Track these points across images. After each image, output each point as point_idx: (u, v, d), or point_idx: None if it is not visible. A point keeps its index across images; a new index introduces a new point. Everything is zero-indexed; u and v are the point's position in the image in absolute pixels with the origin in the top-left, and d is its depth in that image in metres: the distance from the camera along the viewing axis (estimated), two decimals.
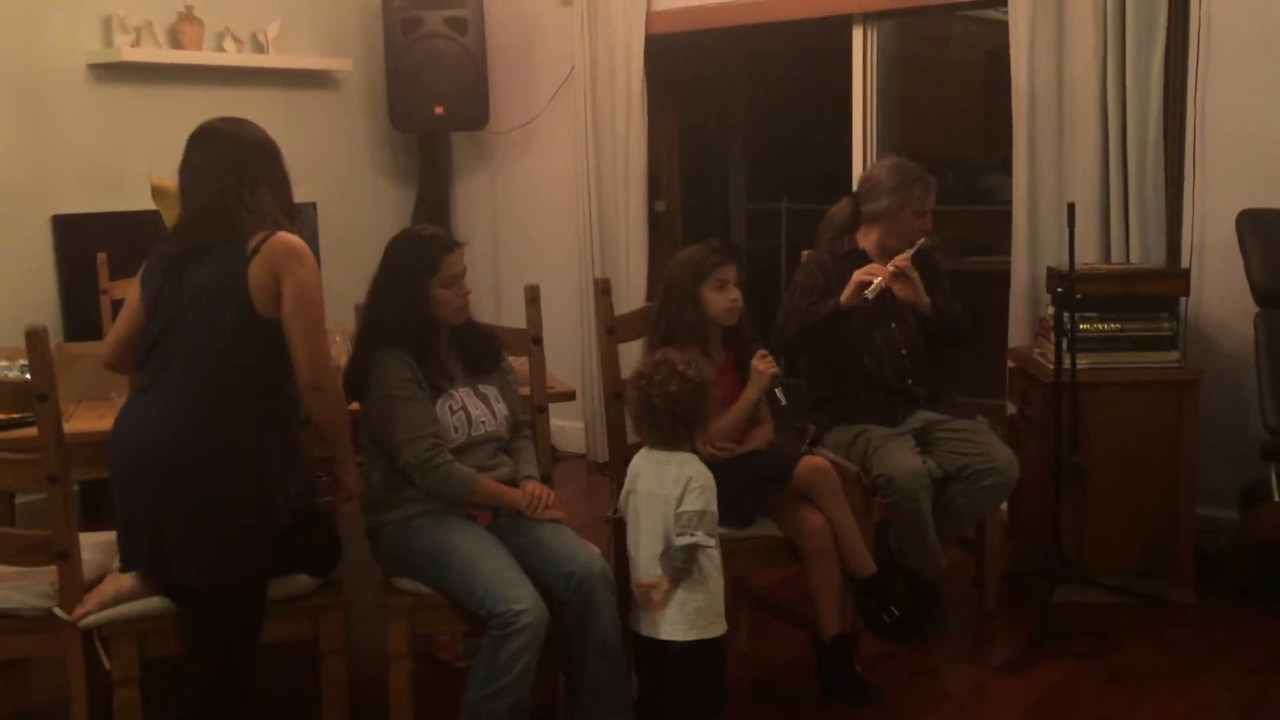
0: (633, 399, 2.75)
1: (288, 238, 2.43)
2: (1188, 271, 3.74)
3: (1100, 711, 3.00)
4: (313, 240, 4.19)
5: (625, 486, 2.77)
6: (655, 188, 5.29)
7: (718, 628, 2.69)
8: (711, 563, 2.68)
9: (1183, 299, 3.70)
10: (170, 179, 3.72)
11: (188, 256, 2.46)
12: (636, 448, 3.19)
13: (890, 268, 3.37)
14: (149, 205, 3.88)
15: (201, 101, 4.85)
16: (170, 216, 3.79)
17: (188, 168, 2.53)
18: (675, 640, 2.65)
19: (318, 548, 2.65)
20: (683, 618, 2.65)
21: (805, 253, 3.73)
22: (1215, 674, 3.19)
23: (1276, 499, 3.28)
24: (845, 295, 3.36)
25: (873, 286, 3.32)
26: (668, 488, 2.67)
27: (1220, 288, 3.79)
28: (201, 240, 2.45)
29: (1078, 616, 3.49)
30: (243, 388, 2.43)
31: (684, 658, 2.65)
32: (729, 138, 7.24)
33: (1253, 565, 3.52)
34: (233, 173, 2.47)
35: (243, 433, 2.43)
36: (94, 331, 4.02)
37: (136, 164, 4.31)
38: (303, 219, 4.16)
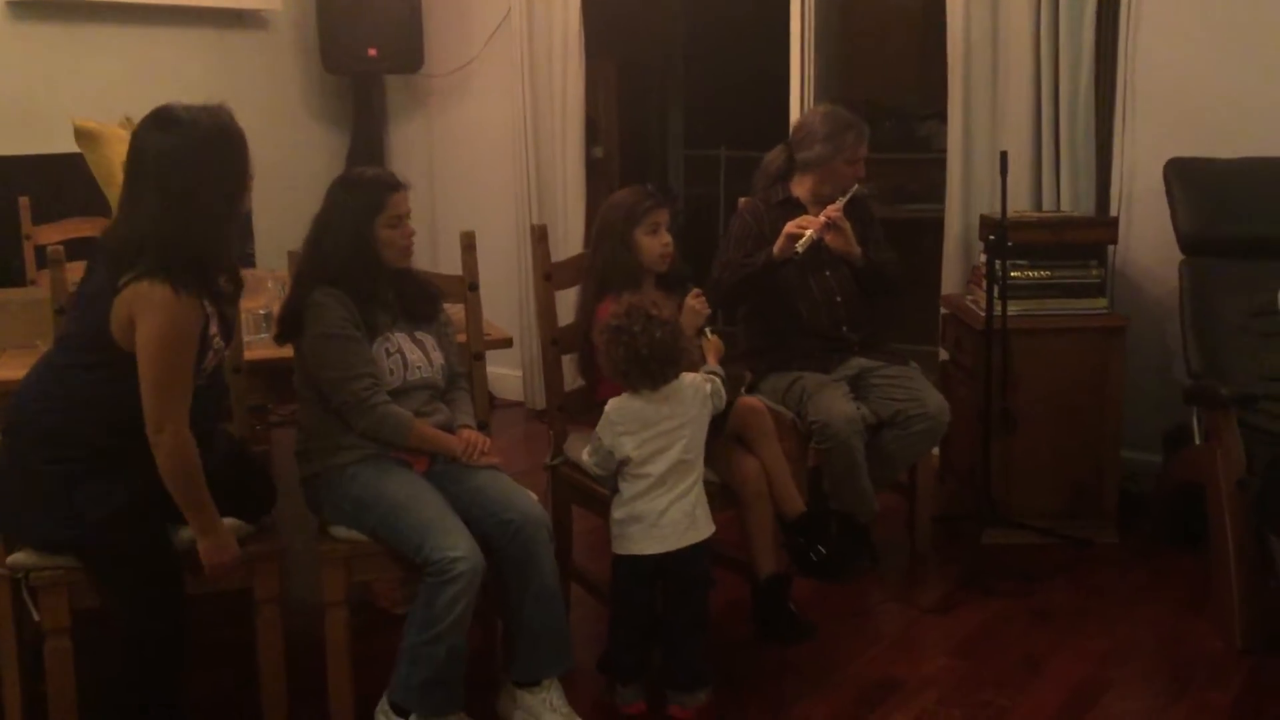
0: (613, 352, 2.71)
1: (150, 292, 2.30)
2: (1116, 220, 3.80)
3: (1026, 650, 3.09)
4: None
5: (616, 431, 2.72)
6: (593, 133, 5.26)
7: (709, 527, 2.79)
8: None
9: (1111, 247, 3.77)
10: (95, 121, 3.63)
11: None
12: (576, 394, 3.20)
13: (822, 218, 3.39)
14: (73, 148, 3.78)
15: (126, 40, 4.72)
16: (94, 160, 3.71)
17: (134, 168, 2.40)
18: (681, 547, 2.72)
19: (247, 491, 2.62)
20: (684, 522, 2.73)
21: (742, 200, 3.74)
22: (1137, 613, 3.29)
23: (1198, 443, 3.37)
24: (777, 247, 3.38)
25: (803, 239, 3.33)
26: (692, 408, 2.74)
27: (1147, 236, 3.86)
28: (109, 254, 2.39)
29: (1006, 558, 3.57)
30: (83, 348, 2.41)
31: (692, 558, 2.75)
32: (667, 84, 7.20)
33: (1175, 507, 3.62)
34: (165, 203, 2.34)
35: (55, 378, 2.41)
36: (17, 278, 3.92)
37: (60, 105, 4.19)
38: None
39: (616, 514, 2.76)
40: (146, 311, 2.30)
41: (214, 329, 2.47)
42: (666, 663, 2.81)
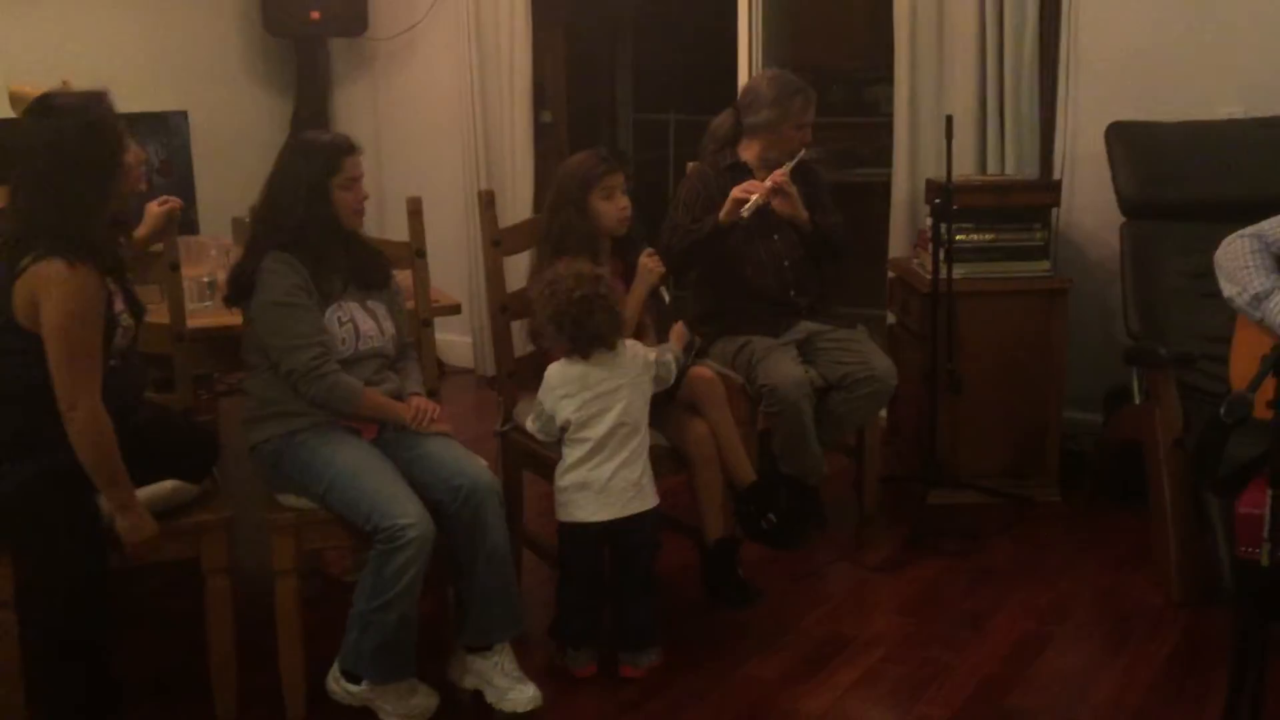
0: (562, 312, 2.72)
1: (48, 269, 2.32)
2: (1059, 183, 3.85)
3: (971, 606, 3.15)
4: (184, 150, 4.07)
5: (556, 395, 2.76)
6: (541, 98, 5.22)
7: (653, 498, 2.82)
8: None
9: (1054, 210, 3.81)
10: (30, 86, 3.55)
11: None
12: (526, 360, 3.20)
13: (768, 183, 3.39)
14: (7, 113, 3.69)
15: (63, 4, 4.62)
16: None
17: (15, 156, 2.41)
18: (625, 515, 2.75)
19: (184, 451, 2.60)
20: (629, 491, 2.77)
21: (690, 165, 3.74)
22: (1078, 569, 3.36)
23: (1138, 402, 3.43)
24: (723, 212, 3.39)
25: (749, 205, 3.34)
26: (631, 372, 2.76)
27: (1089, 199, 3.91)
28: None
29: (951, 517, 3.64)
30: None
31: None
32: (616, 48, 7.15)
33: (1115, 465, 3.69)
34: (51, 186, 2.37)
35: None
36: None
37: None
38: (172, 129, 4.05)
39: (561, 481, 2.78)
40: (46, 290, 2.32)
41: (119, 305, 2.49)
42: (616, 624, 2.84)
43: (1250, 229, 2.96)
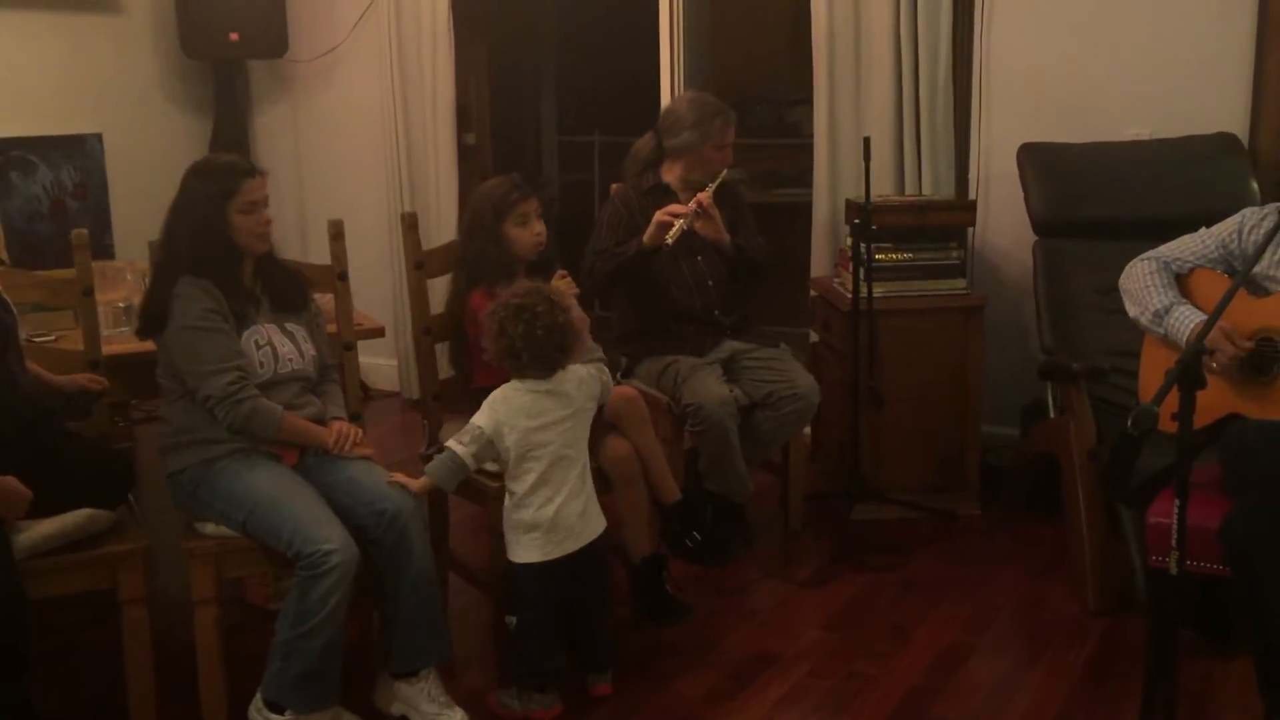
0: (512, 330, 2.63)
1: None
2: (974, 203, 3.93)
3: (895, 619, 3.19)
4: (99, 174, 4.00)
5: (498, 419, 2.67)
6: (465, 120, 5.21)
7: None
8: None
9: (970, 229, 3.89)
10: None
11: None
12: (450, 383, 3.19)
13: (691, 205, 3.43)
14: None
15: None
16: None
17: None
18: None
19: (98, 478, 2.56)
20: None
21: (614, 187, 3.76)
22: (999, 579, 3.42)
23: (1052, 416, 3.51)
24: (647, 235, 3.42)
25: (672, 230, 3.36)
26: (578, 401, 2.73)
27: (1003, 218, 4.00)
28: None
29: (875, 532, 3.69)
30: None
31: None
32: (540, 70, 7.17)
33: (1032, 478, 3.77)
34: None
35: None
36: None
37: None
38: (87, 152, 3.98)
39: (509, 521, 2.71)
40: None
41: None
42: (582, 648, 2.81)
43: (1151, 252, 3.05)
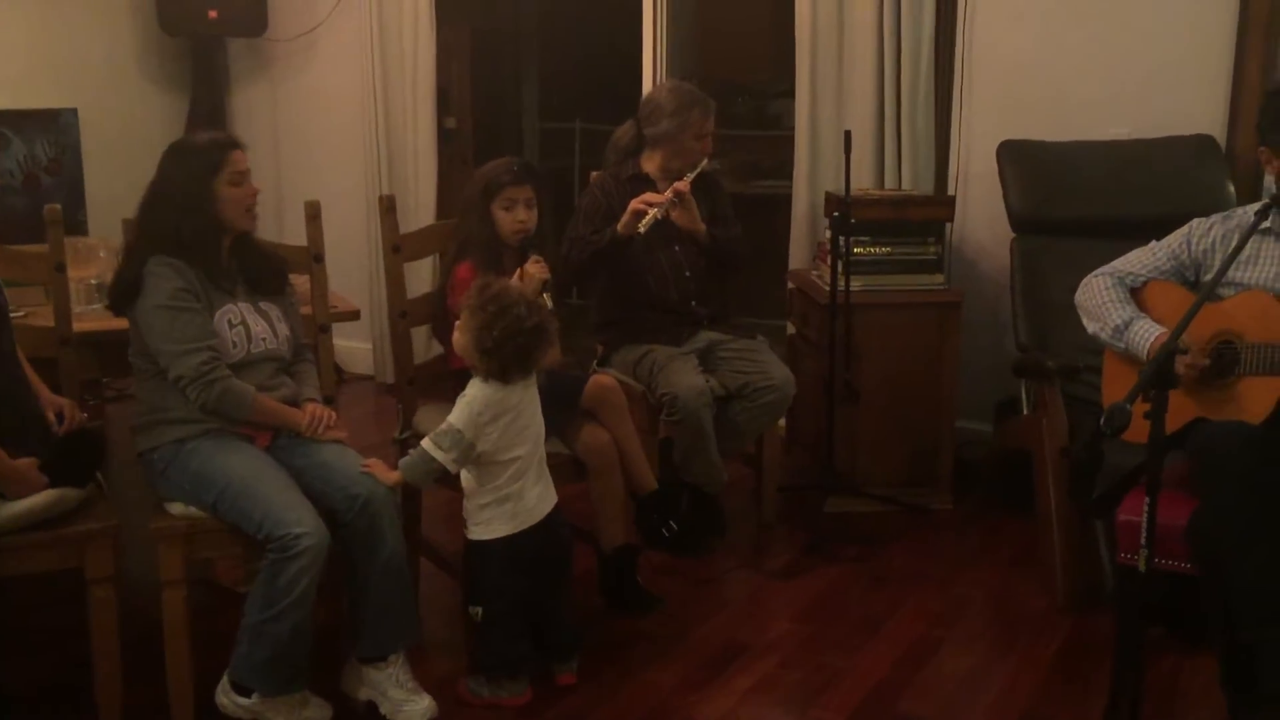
0: (508, 338, 2.58)
1: None
2: (953, 199, 3.94)
3: (866, 611, 3.20)
4: (74, 149, 3.95)
5: (480, 422, 2.62)
6: (446, 103, 5.19)
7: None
8: None
9: (948, 225, 3.90)
10: None
11: None
12: (425, 368, 3.18)
13: (669, 194, 3.42)
14: None
15: None
16: None
17: None
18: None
19: (67, 454, 2.52)
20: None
21: (593, 175, 3.75)
22: (970, 573, 3.44)
23: (1025, 412, 3.53)
24: (621, 224, 3.41)
25: (646, 218, 3.35)
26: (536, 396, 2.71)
27: (982, 214, 4.02)
28: None
29: (848, 525, 3.70)
30: None
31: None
32: (522, 55, 7.14)
33: (1004, 473, 3.79)
34: None
35: None
36: None
37: None
38: (62, 126, 3.93)
39: (478, 500, 2.68)
40: None
41: None
42: (546, 635, 2.79)
43: (1104, 268, 3.07)
